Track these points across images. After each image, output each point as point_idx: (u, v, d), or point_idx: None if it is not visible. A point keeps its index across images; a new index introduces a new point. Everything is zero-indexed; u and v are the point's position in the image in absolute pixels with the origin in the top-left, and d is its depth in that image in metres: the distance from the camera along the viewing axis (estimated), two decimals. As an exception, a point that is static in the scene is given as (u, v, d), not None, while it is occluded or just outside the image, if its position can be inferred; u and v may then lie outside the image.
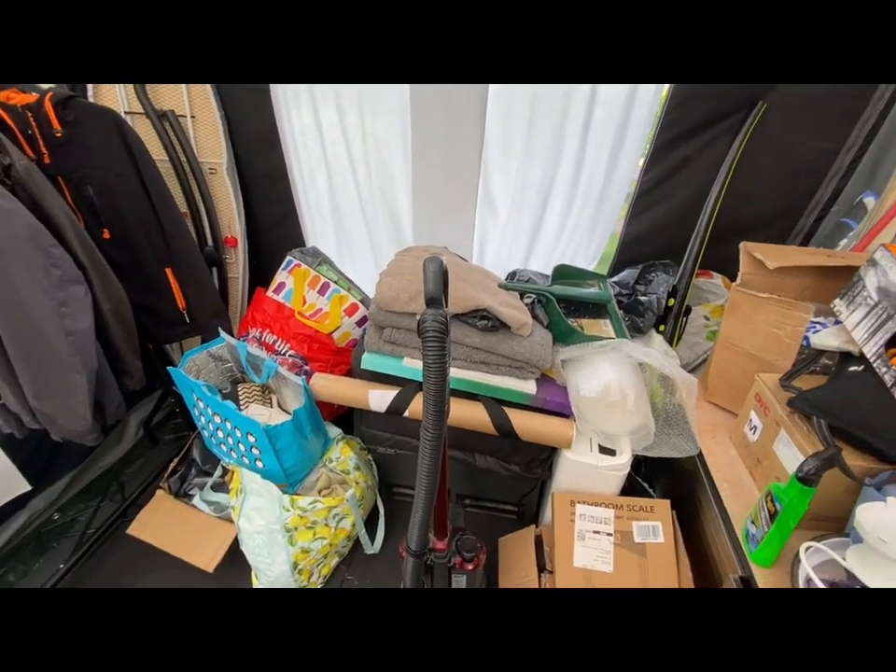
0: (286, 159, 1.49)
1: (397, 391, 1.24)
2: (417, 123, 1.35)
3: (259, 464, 1.23)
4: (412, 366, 1.22)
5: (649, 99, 1.21)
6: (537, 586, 1.17)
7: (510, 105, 1.27)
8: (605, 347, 1.20)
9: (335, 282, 1.51)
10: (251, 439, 1.17)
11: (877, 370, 0.85)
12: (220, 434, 1.25)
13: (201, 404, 1.24)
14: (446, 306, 0.76)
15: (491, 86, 1.24)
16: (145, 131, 1.34)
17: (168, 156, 1.40)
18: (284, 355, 1.42)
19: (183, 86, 1.36)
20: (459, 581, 1.08)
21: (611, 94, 1.21)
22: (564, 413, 1.22)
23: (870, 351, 0.87)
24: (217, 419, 1.21)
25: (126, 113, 1.34)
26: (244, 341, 1.44)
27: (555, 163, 1.36)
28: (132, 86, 1.33)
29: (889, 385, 0.81)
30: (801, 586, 0.75)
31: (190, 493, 1.46)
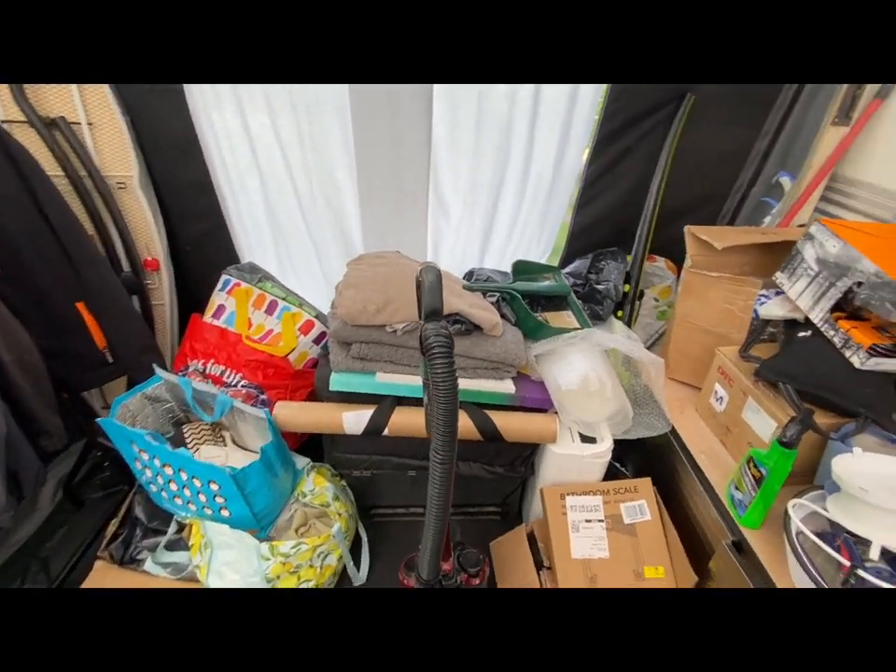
0: (209, 167, 1.33)
1: (372, 410, 1.16)
2: (359, 125, 1.27)
3: (225, 512, 1.09)
4: (386, 381, 1.15)
5: (591, 94, 1.24)
6: (538, 585, 1.17)
7: (455, 104, 1.23)
8: (574, 338, 1.21)
9: (283, 299, 1.38)
10: (214, 487, 1.04)
11: (826, 333, 0.94)
12: (174, 487, 1.09)
13: (145, 456, 1.08)
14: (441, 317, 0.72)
15: (435, 85, 1.20)
16: (32, 143, 1.12)
17: (63, 171, 1.19)
18: (235, 386, 1.27)
19: (73, 87, 1.16)
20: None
21: (555, 91, 1.23)
22: (543, 407, 1.22)
23: (816, 317, 0.96)
24: (169, 470, 1.06)
25: (3, 122, 1.12)
26: (184, 376, 1.27)
27: (504, 161, 1.35)
28: (6, 89, 1.10)
29: (838, 347, 0.90)
30: (794, 541, 0.80)
31: (139, 557, 1.26)
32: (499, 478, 1.35)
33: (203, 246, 1.49)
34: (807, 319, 0.99)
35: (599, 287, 1.40)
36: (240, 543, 1.07)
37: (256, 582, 1.06)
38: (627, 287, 1.38)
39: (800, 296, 1.00)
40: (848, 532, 0.76)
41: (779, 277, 1.06)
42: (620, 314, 1.42)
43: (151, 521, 1.33)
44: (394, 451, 1.28)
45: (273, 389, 1.31)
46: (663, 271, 1.53)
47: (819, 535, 0.80)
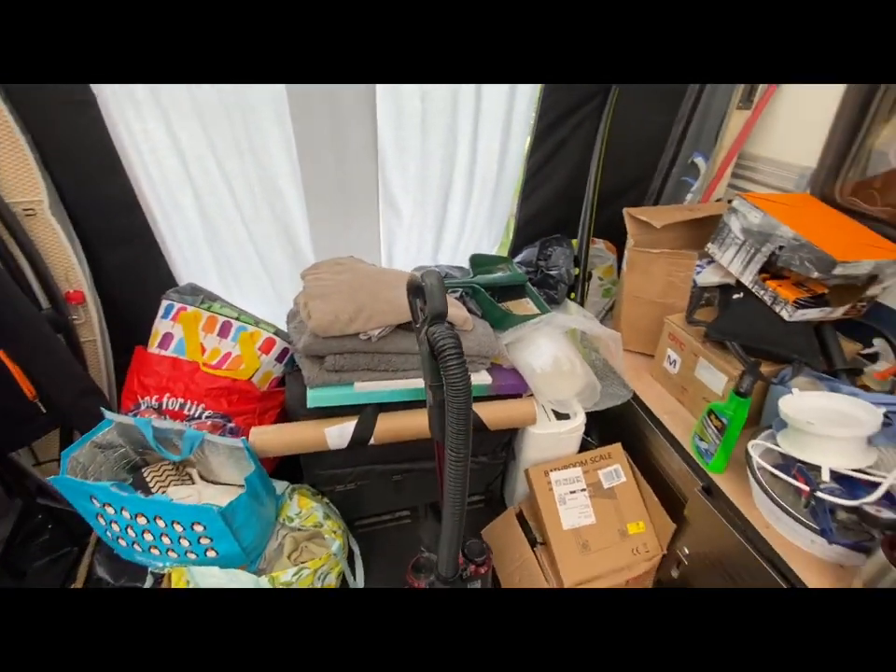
0: (134, 184, 1.22)
1: (354, 421, 1.14)
2: (300, 128, 1.22)
3: (212, 553, 1.03)
4: (365, 389, 1.13)
5: (528, 91, 1.30)
6: (535, 561, 1.22)
7: (400, 104, 1.23)
8: (540, 324, 1.28)
9: (237, 318, 1.30)
10: (198, 528, 0.97)
11: (757, 293, 1.07)
12: (148, 537, 1.00)
13: (110, 510, 0.97)
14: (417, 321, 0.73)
15: (378, 85, 1.19)
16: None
17: (-46, 201, 1.03)
18: (199, 418, 1.18)
19: (-46, 103, 1.00)
20: (475, 587, 1.06)
21: (495, 89, 1.26)
22: (518, 392, 1.27)
23: (747, 280, 1.09)
24: (142, 520, 0.97)
25: None
26: (136, 415, 1.16)
27: (451, 159, 1.37)
28: None
29: (769, 304, 1.04)
30: (757, 476, 0.92)
31: (110, 621, 1.15)
32: (483, 467, 1.39)
33: (133, 272, 1.35)
34: (739, 283, 1.13)
35: (552, 272, 1.47)
36: (234, 583, 1.01)
37: (257, 618, 1.01)
38: (577, 270, 1.47)
39: (731, 263, 1.13)
40: (800, 461, 0.88)
41: (711, 248, 1.19)
42: (572, 295, 1.51)
43: (118, 579, 1.21)
44: (379, 459, 1.27)
45: (241, 416, 1.24)
46: (603, 252, 1.64)
47: (776, 468, 0.92)
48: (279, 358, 1.34)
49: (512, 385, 1.26)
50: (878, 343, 1.04)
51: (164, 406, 1.18)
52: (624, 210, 1.35)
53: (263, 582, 0.99)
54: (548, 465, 1.27)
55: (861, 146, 1.12)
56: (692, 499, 1.12)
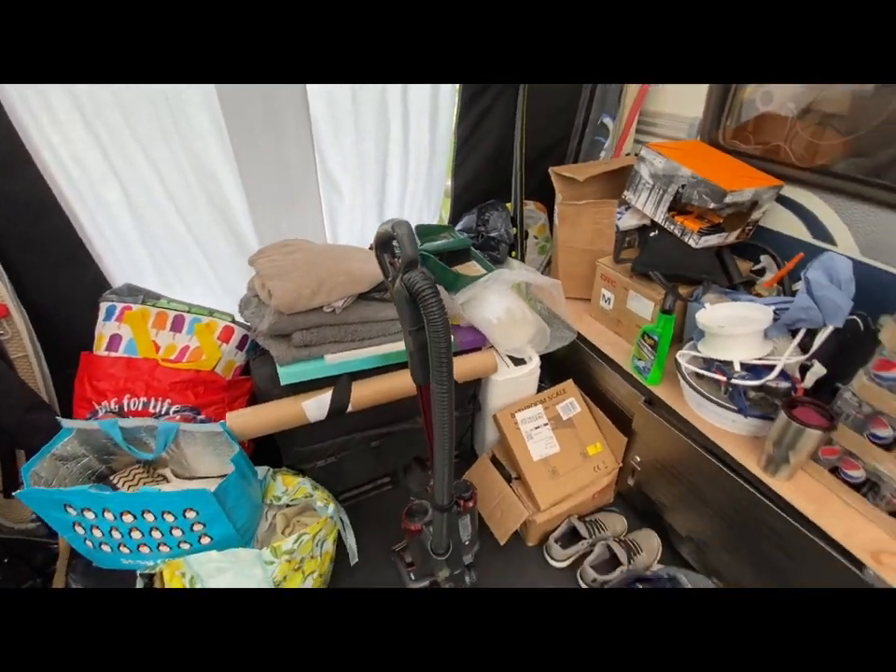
0: (50, 184, 1.14)
1: (330, 391, 1.18)
2: (230, 109, 1.20)
3: (206, 540, 1.03)
4: (336, 360, 1.17)
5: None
6: (513, 493, 1.35)
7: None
8: (488, 281, 1.38)
9: (188, 311, 1.27)
10: (190, 515, 0.97)
11: (668, 228, 1.25)
12: (136, 535, 0.98)
13: (90, 515, 0.95)
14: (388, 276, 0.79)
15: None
16: None
17: None
18: (167, 415, 1.16)
19: None
20: (465, 524, 1.16)
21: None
22: (478, 346, 1.37)
23: (659, 218, 1.26)
24: (129, 518, 0.95)
25: None
26: (92, 420, 1.11)
27: (385, 133, 1.41)
28: None
29: (679, 236, 1.22)
30: (686, 378, 1.10)
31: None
32: (462, 426, 1.49)
33: (60, 278, 1.26)
34: (654, 222, 1.30)
35: (492, 234, 1.58)
36: (234, 562, 1.02)
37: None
38: (515, 230, 1.59)
39: (645, 205, 1.30)
40: (717, 360, 1.07)
41: (627, 194, 1.36)
42: (513, 254, 1.63)
43: (101, 591, 1.17)
44: (356, 427, 1.32)
45: (210, 406, 1.22)
46: (535, 212, 1.77)
47: (700, 369, 1.11)
48: (240, 346, 1.33)
49: (472, 341, 1.36)
50: (764, 259, 1.26)
51: (126, 408, 1.14)
52: (550, 169, 1.48)
53: (266, 554, 1.01)
54: (513, 407, 1.40)
55: (734, 97, 1.32)
56: (637, 413, 1.30)
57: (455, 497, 1.10)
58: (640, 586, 1.18)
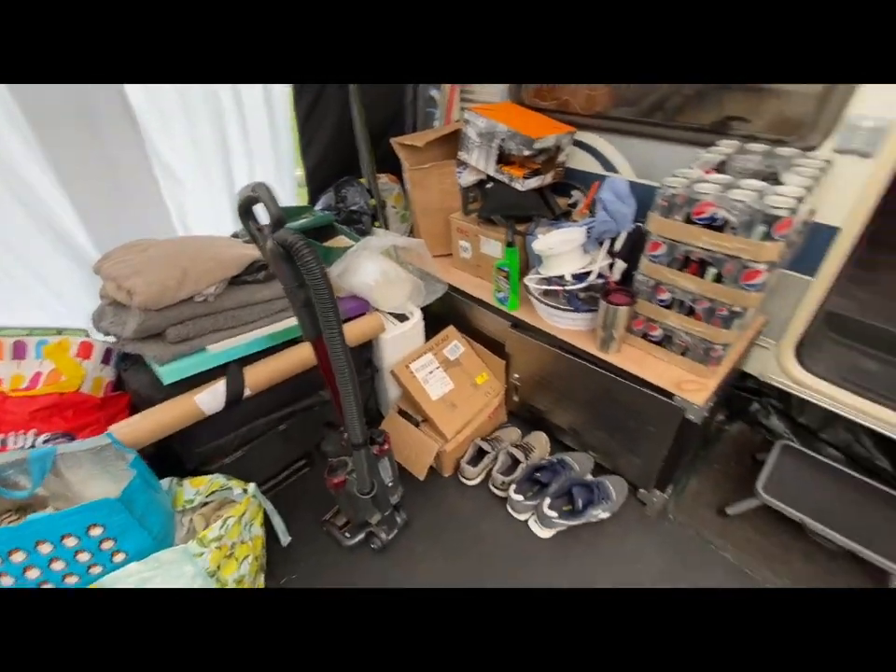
0: None
1: (223, 381, 1.18)
2: (30, 109, 1.08)
3: (119, 556, 0.99)
4: (221, 349, 1.17)
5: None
6: (422, 434, 1.49)
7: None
8: (357, 250, 1.47)
9: (29, 334, 1.15)
10: (96, 532, 0.92)
11: (499, 178, 1.47)
12: (33, 574, 0.90)
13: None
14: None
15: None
16: None
17: None
18: (34, 447, 1.05)
19: None
20: (385, 466, 1.27)
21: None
22: (361, 312, 1.47)
23: (491, 170, 1.47)
24: (19, 556, 0.87)
25: None
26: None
27: (219, 115, 1.39)
28: None
29: (508, 183, 1.44)
30: (535, 296, 1.34)
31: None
32: (366, 390, 1.57)
33: None
34: (489, 176, 1.51)
35: (353, 208, 1.66)
36: (158, 567, 1.00)
37: (198, 585, 1.03)
38: (374, 202, 1.69)
39: (478, 162, 1.50)
40: (555, 277, 1.32)
41: (462, 155, 1.55)
42: (377, 224, 1.73)
43: None
44: (258, 411, 1.33)
45: (85, 430, 1.13)
46: (388, 184, 1.89)
47: (544, 287, 1.35)
48: (105, 360, 1.23)
49: (355, 307, 1.45)
50: (575, 194, 1.56)
51: (-22, 452, 1.01)
52: (392, 140, 1.61)
53: (192, 546, 1.01)
54: (406, 360, 1.53)
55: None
56: (507, 337, 1.52)
57: (369, 439, 1.21)
58: (538, 475, 1.43)
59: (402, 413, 1.58)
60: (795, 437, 1.49)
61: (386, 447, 1.25)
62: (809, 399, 1.35)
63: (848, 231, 1.10)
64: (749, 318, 1.09)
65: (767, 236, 0.88)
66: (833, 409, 1.31)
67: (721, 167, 1.09)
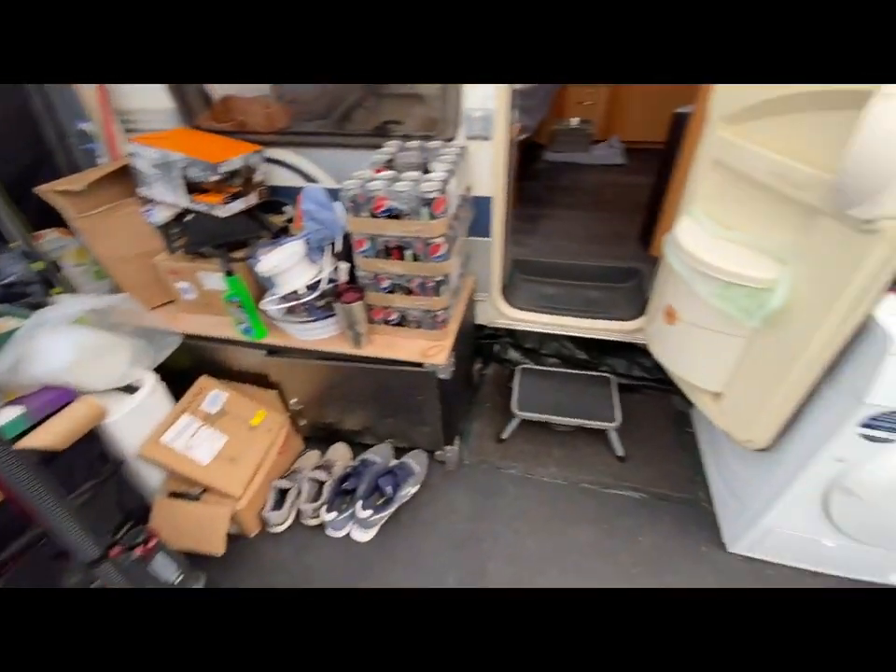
0: None
1: None
2: None
3: None
4: None
5: None
6: (206, 507, 1.31)
7: None
8: (29, 330, 1.16)
9: None
10: None
11: (199, 209, 1.35)
12: None
13: None
14: None
15: None
16: None
17: None
18: None
19: None
20: (162, 564, 1.07)
21: None
22: (67, 401, 1.17)
23: (184, 202, 1.34)
24: None
25: None
26: None
27: None
28: None
29: (207, 212, 1.34)
30: (278, 317, 1.31)
31: None
32: (96, 492, 1.25)
33: None
34: (185, 208, 1.38)
35: (11, 279, 1.29)
36: None
37: None
38: (41, 264, 1.35)
39: (164, 195, 1.35)
40: (290, 293, 1.31)
41: (143, 191, 1.37)
42: (56, 290, 1.39)
43: None
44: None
45: None
46: (60, 240, 1.53)
47: (281, 305, 1.33)
48: None
49: (54, 399, 1.15)
50: (287, 209, 1.57)
51: None
52: (34, 190, 1.30)
53: None
54: (155, 435, 1.30)
55: (195, 88, 1.49)
56: (268, 366, 1.45)
57: (127, 546, 1.00)
58: (345, 484, 1.43)
59: (175, 494, 1.34)
60: (528, 359, 1.88)
61: (152, 544, 1.05)
62: (524, 328, 1.72)
63: (498, 198, 1.43)
64: (454, 283, 1.31)
65: (432, 216, 1.06)
66: (540, 329, 1.70)
67: (389, 165, 1.26)
